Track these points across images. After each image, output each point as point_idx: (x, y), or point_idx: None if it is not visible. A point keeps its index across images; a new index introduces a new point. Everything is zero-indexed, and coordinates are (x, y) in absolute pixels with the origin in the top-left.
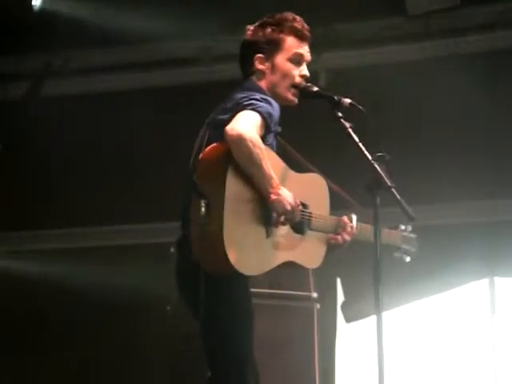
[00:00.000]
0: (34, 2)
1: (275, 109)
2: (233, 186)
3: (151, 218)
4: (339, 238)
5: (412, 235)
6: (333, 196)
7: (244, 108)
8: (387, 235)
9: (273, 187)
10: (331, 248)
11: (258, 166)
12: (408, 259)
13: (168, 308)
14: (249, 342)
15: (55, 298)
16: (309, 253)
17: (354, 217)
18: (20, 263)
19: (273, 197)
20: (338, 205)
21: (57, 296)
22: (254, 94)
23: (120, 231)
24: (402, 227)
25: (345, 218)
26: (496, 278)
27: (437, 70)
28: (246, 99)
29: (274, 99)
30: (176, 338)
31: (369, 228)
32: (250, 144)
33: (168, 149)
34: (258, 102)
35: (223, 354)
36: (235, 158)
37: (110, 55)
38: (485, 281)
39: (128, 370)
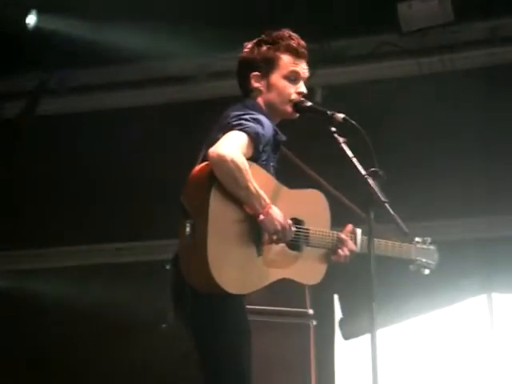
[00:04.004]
0: (28, 21)
1: (266, 128)
2: (217, 207)
3: (145, 236)
4: (340, 252)
5: (430, 247)
6: (340, 211)
7: (232, 128)
8: (398, 248)
9: (262, 206)
10: (333, 263)
11: (243, 187)
12: (427, 272)
13: (163, 325)
14: (246, 362)
15: (43, 319)
16: (307, 269)
17: (359, 231)
18: None
19: (262, 216)
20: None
21: (47, 316)
22: (246, 112)
23: (112, 249)
24: (418, 239)
25: (341, 234)
26: (494, 294)
27: (433, 85)
28: (235, 119)
29: (272, 116)
30: (172, 355)
31: (386, 244)
32: (232, 165)
33: (164, 167)
34: (246, 122)
35: (220, 374)
36: (219, 179)
37: (105, 73)
38: (483, 297)
39: None
